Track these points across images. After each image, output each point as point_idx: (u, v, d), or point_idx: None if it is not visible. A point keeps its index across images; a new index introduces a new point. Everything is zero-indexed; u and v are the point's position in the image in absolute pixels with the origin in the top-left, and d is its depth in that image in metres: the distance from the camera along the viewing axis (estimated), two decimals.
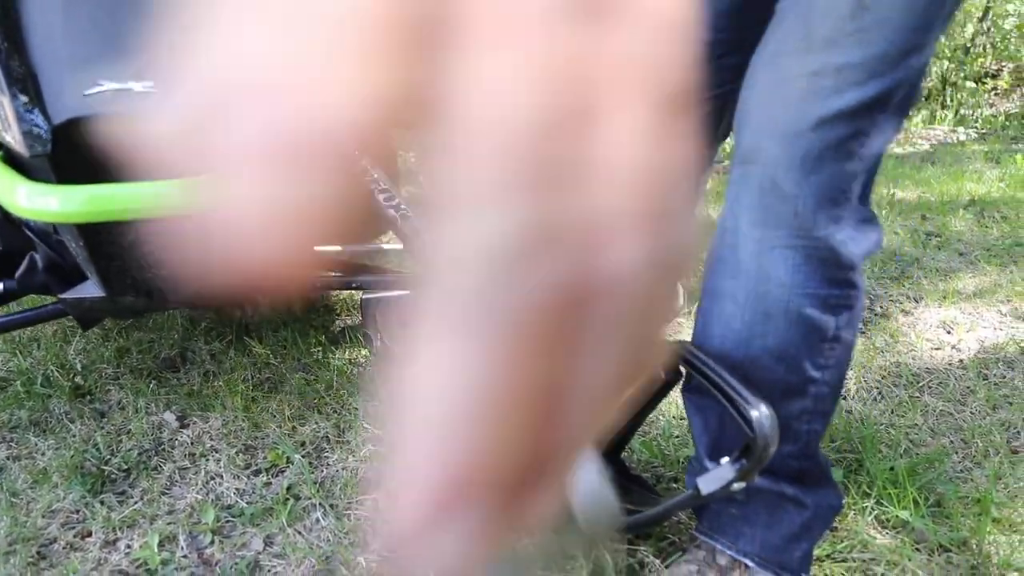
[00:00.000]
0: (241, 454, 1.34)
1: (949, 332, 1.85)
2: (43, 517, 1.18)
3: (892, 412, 1.50)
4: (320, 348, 1.71)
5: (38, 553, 1.10)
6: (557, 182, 0.14)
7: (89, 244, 1.06)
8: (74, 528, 1.15)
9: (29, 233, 1.22)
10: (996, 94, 5.40)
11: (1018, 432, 1.43)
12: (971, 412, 1.50)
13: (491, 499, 0.15)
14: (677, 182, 0.16)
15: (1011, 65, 5.48)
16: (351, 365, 1.64)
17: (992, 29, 5.38)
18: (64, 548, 1.11)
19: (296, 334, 1.74)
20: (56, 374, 1.56)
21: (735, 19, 0.97)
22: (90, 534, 1.14)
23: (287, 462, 1.31)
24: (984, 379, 1.63)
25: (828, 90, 0.82)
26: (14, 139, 0.98)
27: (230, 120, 0.13)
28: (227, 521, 1.17)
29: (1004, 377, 1.63)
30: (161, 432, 1.40)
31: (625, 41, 0.14)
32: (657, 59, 0.15)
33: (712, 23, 0.92)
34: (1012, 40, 5.38)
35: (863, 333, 1.83)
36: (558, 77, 0.14)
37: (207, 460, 1.32)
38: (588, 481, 0.81)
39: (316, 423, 1.43)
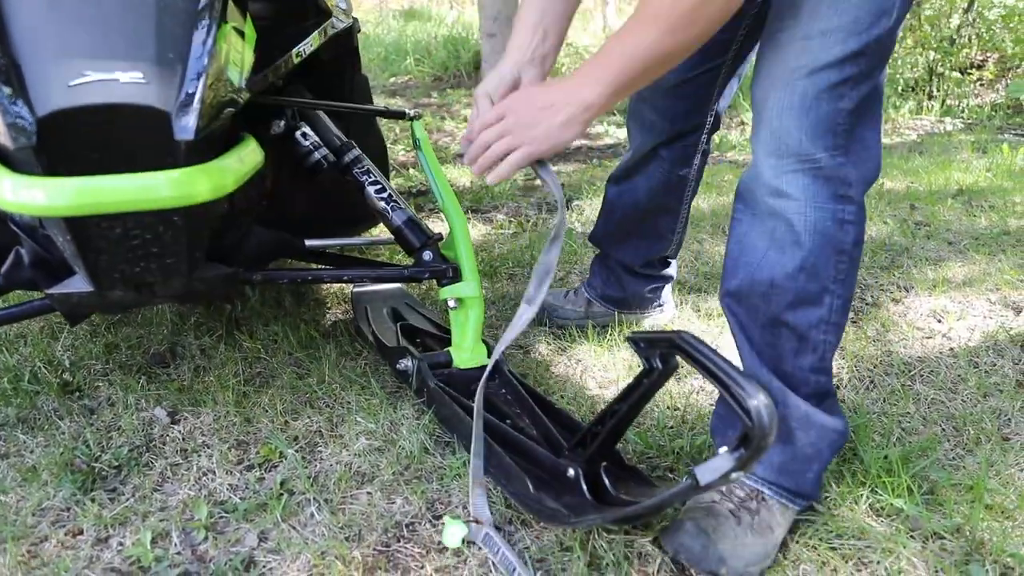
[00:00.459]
0: (233, 449, 1.33)
1: (939, 321, 1.86)
2: (33, 515, 1.16)
3: (884, 401, 1.50)
4: (311, 342, 1.69)
5: (29, 551, 1.09)
6: None
7: (77, 238, 1.04)
8: (65, 526, 1.14)
9: (14, 227, 1.20)
10: (981, 84, 5.42)
11: (1009, 419, 1.44)
12: (962, 400, 1.51)
13: None
14: None
15: (996, 55, 5.50)
16: (343, 358, 1.63)
17: (977, 20, 5.41)
18: (55, 546, 1.10)
19: (287, 328, 1.72)
20: (44, 371, 1.55)
21: None
22: (81, 532, 1.13)
23: (280, 457, 1.30)
24: (975, 367, 1.64)
25: (816, 48, 1.01)
26: None
27: None
28: (220, 517, 1.16)
29: (994, 365, 1.64)
30: (152, 428, 1.38)
31: None
32: None
33: None
34: (997, 31, 5.41)
35: (855, 323, 1.84)
36: None
37: (199, 456, 1.30)
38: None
39: (309, 417, 1.42)
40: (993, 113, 4.87)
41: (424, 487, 1.22)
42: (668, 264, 1.77)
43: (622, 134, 4.23)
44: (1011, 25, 5.31)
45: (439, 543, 1.11)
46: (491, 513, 1.14)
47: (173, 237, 1.09)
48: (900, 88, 5.08)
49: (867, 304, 1.95)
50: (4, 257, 1.23)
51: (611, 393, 1.53)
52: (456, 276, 1.47)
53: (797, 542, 1.11)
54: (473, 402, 1.30)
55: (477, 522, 1.11)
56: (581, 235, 2.43)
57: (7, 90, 0.95)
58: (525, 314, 1.15)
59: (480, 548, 1.09)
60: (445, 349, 1.45)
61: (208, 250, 1.22)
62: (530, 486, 1.10)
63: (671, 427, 1.40)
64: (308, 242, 1.55)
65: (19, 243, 1.21)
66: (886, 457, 1.26)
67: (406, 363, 1.43)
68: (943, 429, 1.41)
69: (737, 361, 1.12)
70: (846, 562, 1.07)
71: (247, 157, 1.13)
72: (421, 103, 5.12)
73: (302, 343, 1.68)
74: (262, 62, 1.25)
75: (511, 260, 2.24)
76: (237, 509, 1.17)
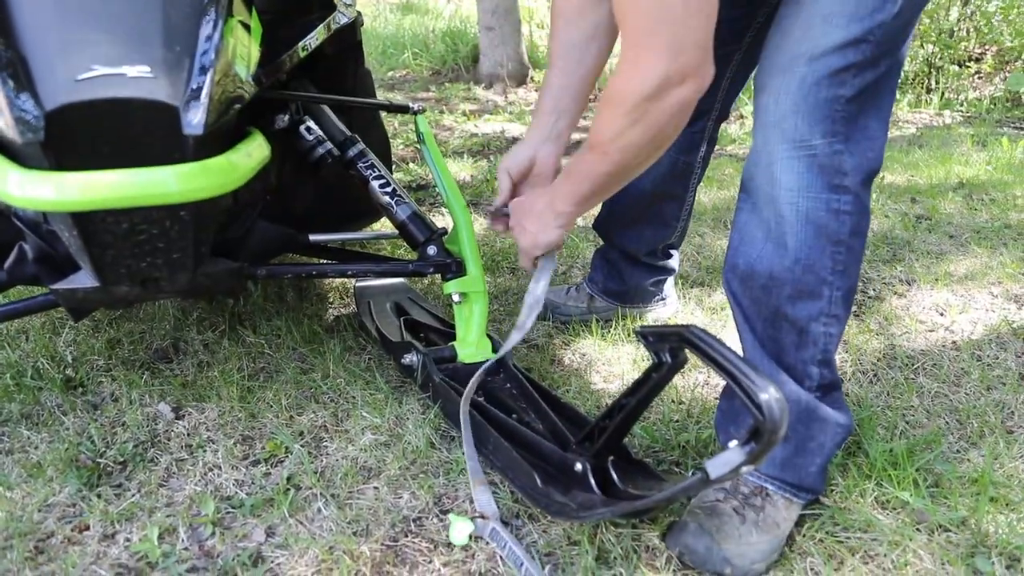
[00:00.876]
0: (239, 445, 1.33)
1: (942, 314, 1.87)
2: (39, 511, 1.16)
3: (888, 394, 1.51)
4: (315, 336, 1.69)
5: (35, 548, 1.09)
6: None
7: (83, 233, 1.04)
8: (71, 522, 1.14)
9: (18, 223, 1.20)
10: (980, 77, 5.42)
11: (1012, 412, 1.45)
12: (966, 393, 1.51)
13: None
14: None
15: (994, 48, 5.50)
16: (347, 353, 1.63)
17: (976, 13, 5.40)
18: (62, 542, 1.10)
19: (290, 323, 1.72)
20: (46, 366, 1.54)
21: None
22: (88, 528, 1.13)
23: (286, 452, 1.30)
24: (978, 360, 1.64)
25: (817, 33, 1.01)
26: (5, 125, 0.95)
27: None
28: (227, 512, 1.16)
29: (997, 358, 1.65)
30: (156, 424, 1.38)
31: None
32: None
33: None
34: (995, 23, 5.40)
35: (857, 316, 1.84)
36: None
37: (204, 451, 1.30)
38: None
39: (314, 412, 1.42)
40: (992, 106, 4.87)
41: (431, 482, 1.22)
42: (670, 255, 1.77)
43: None
44: (1010, 18, 5.31)
45: (447, 538, 1.11)
46: (498, 508, 1.14)
47: (180, 232, 1.08)
48: (899, 81, 5.08)
49: (869, 297, 1.95)
50: (7, 253, 1.23)
51: (616, 387, 1.53)
52: (460, 270, 1.47)
53: (804, 536, 1.12)
54: (479, 397, 1.30)
55: (483, 517, 1.11)
56: (583, 228, 2.43)
57: (14, 84, 0.94)
58: (514, 338, 1.28)
59: (488, 543, 1.09)
60: (449, 344, 1.45)
61: (213, 245, 1.22)
62: (537, 480, 1.10)
63: (677, 421, 1.40)
64: (312, 237, 1.55)
65: (23, 238, 1.21)
66: (891, 450, 1.27)
67: (411, 358, 1.43)
68: (947, 422, 1.42)
69: (740, 352, 1.12)
70: (853, 555, 1.08)
71: (255, 152, 1.13)
72: (419, 97, 5.11)
73: (306, 338, 1.68)
74: (268, 56, 1.25)
75: (514, 254, 2.23)
76: (244, 504, 1.17)
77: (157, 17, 1.01)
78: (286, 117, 1.48)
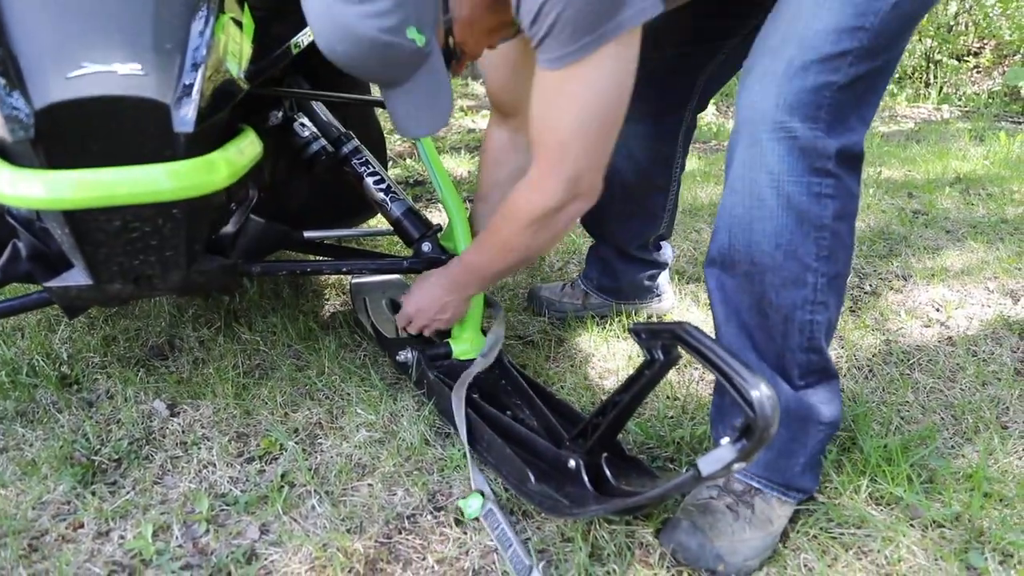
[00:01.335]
0: (233, 442, 1.33)
1: (938, 310, 1.87)
2: (33, 509, 1.16)
3: (883, 390, 1.51)
4: (310, 333, 1.69)
5: (29, 545, 1.09)
6: None
7: (75, 231, 1.04)
8: (65, 519, 1.14)
9: (11, 220, 1.19)
10: (978, 72, 5.42)
11: (1007, 408, 1.45)
12: (961, 388, 1.52)
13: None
14: None
15: (993, 42, 5.50)
16: (342, 350, 1.63)
17: (974, 7, 5.39)
18: (56, 540, 1.10)
19: (286, 320, 1.72)
20: (42, 364, 1.54)
21: None
22: (82, 525, 1.13)
23: (280, 449, 1.30)
24: (973, 356, 1.64)
25: (809, 15, 1.00)
26: None
27: None
28: (221, 510, 1.16)
29: (992, 353, 1.65)
30: (151, 421, 1.38)
31: None
32: None
33: None
34: (994, 18, 5.40)
35: (853, 312, 1.84)
36: None
37: (199, 448, 1.30)
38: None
39: (308, 409, 1.42)
40: (990, 101, 4.87)
41: (425, 479, 1.22)
42: (661, 247, 1.77)
43: None
44: (1008, 12, 5.30)
45: (441, 534, 1.11)
46: (493, 491, 1.15)
47: (172, 230, 1.08)
48: (898, 76, 5.07)
49: (866, 293, 1.95)
50: (1, 250, 1.23)
51: (611, 383, 1.53)
52: None
53: (797, 531, 1.12)
54: (473, 394, 1.30)
55: (482, 494, 1.14)
56: (578, 225, 2.42)
57: (4, 82, 0.94)
58: (478, 366, 1.35)
59: (480, 539, 1.09)
60: (444, 340, 1.45)
61: (207, 242, 1.22)
62: (531, 477, 1.10)
63: (671, 417, 1.40)
64: (306, 233, 1.54)
65: (16, 236, 1.21)
66: (885, 446, 1.27)
67: (406, 354, 1.43)
68: (942, 418, 1.42)
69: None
70: (846, 551, 1.08)
71: (246, 149, 1.12)
72: None
73: (301, 335, 1.68)
74: (261, 53, 1.24)
75: None
76: (238, 502, 1.17)
77: (148, 14, 1.01)
78: (280, 114, 1.48)
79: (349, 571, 1.04)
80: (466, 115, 4.32)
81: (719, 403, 1.19)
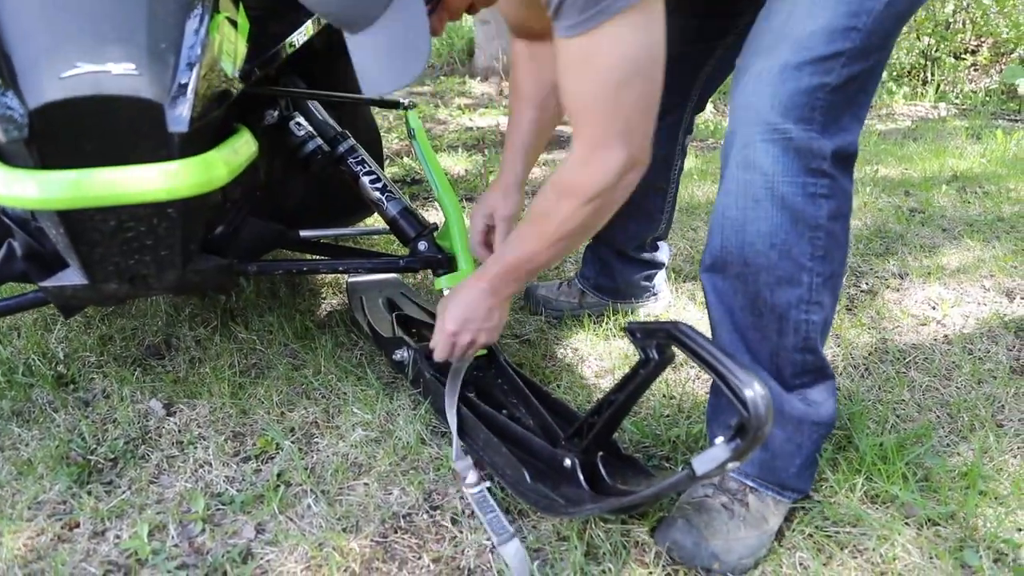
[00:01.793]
0: (229, 441, 1.33)
1: (934, 308, 1.87)
2: (29, 509, 1.16)
3: (879, 388, 1.51)
4: (307, 333, 1.69)
5: (25, 545, 1.09)
6: None
7: (70, 231, 1.04)
8: (61, 519, 1.14)
9: (6, 220, 1.19)
10: (976, 70, 5.42)
11: (1002, 406, 1.45)
12: (957, 387, 1.52)
13: None
14: None
15: (990, 40, 5.50)
16: (339, 349, 1.63)
17: (972, 5, 5.40)
18: (52, 540, 1.10)
19: (282, 319, 1.72)
20: (38, 363, 1.54)
21: None
22: (78, 525, 1.13)
23: (276, 448, 1.30)
24: (969, 354, 1.64)
25: (804, 15, 0.99)
26: None
27: None
28: (217, 509, 1.16)
29: (988, 352, 1.65)
30: (147, 420, 1.38)
31: None
32: None
33: None
34: (991, 16, 5.40)
35: (849, 310, 1.84)
36: None
37: (195, 448, 1.30)
38: None
39: (305, 408, 1.42)
40: (987, 99, 4.87)
41: (421, 478, 1.22)
42: (658, 247, 1.77)
43: None
44: (1005, 10, 5.30)
45: (437, 533, 1.11)
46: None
47: (167, 229, 1.08)
48: (895, 73, 5.08)
49: (862, 291, 1.96)
50: None
51: (607, 382, 1.53)
52: (451, 266, 1.47)
53: (793, 530, 1.12)
54: (469, 392, 1.30)
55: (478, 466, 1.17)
56: None
57: None
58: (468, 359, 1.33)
59: (476, 538, 1.09)
60: None
61: (202, 241, 1.22)
62: (527, 476, 1.10)
63: (667, 416, 1.40)
64: (302, 233, 1.54)
65: (12, 236, 1.21)
66: (881, 444, 1.27)
67: (402, 353, 1.43)
68: (937, 416, 1.42)
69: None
70: (841, 549, 1.08)
71: (241, 148, 1.12)
72: (415, 92, 5.10)
73: (297, 334, 1.68)
74: (256, 52, 1.24)
75: None
76: (234, 501, 1.17)
77: (142, 14, 1.01)
78: (275, 113, 1.48)
79: (345, 570, 1.04)
80: (464, 113, 4.32)
81: (715, 402, 1.20)
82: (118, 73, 0.96)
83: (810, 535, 1.11)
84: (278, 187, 1.63)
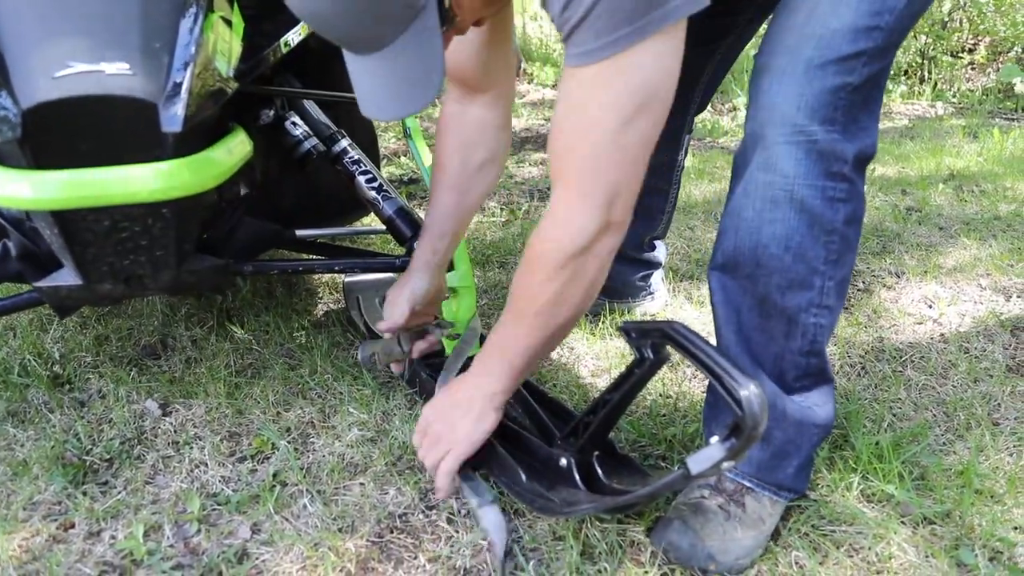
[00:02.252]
0: (225, 441, 1.32)
1: (931, 306, 1.87)
2: (24, 509, 1.16)
3: (876, 387, 1.51)
4: (303, 332, 1.69)
5: (20, 546, 1.09)
6: None
7: (64, 231, 1.03)
8: (56, 520, 1.14)
9: (1, 220, 1.19)
10: (973, 68, 5.42)
11: (999, 404, 1.45)
12: (953, 385, 1.52)
13: None
14: None
15: (988, 39, 5.50)
16: (335, 349, 1.62)
17: (969, 3, 5.40)
18: (47, 540, 1.10)
19: (278, 319, 1.72)
20: (33, 363, 1.54)
21: None
22: (73, 525, 1.13)
23: (272, 448, 1.30)
24: (965, 352, 1.64)
25: (827, 13, 0.97)
26: None
27: None
28: (213, 509, 1.16)
29: (985, 350, 1.65)
30: (143, 421, 1.38)
31: None
32: None
33: None
34: (989, 14, 5.40)
35: (846, 309, 1.84)
36: None
37: (191, 448, 1.30)
38: None
39: (301, 408, 1.42)
40: (984, 97, 4.87)
41: (417, 477, 1.22)
42: (655, 247, 1.77)
43: None
44: (1003, 9, 5.31)
45: (433, 533, 1.11)
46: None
47: (161, 230, 1.08)
48: (892, 72, 5.08)
49: (859, 290, 1.96)
50: None
51: (604, 382, 1.53)
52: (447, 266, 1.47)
53: (789, 529, 1.12)
54: None
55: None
56: None
57: None
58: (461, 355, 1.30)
59: (472, 538, 1.09)
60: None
61: (198, 241, 1.22)
62: (522, 476, 1.10)
63: (664, 415, 1.40)
64: (299, 232, 1.54)
65: (6, 236, 1.20)
66: (877, 443, 1.27)
67: None
68: (934, 415, 1.42)
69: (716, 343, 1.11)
70: (837, 548, 1.08)
71: (236, 148, 1.12)
72: None
73: (294, 334, 1.68)
74: (250, 52, 1.24)
75: (503, 248, 2.23)
76: (230, 501, 1.17)
77: (136, 13, 1.01)
78: (271, 112, 1.48)
79: (340, 570, 1.04)
80: None
81: (712, 401, 1.20)
82: (111, 73, 0.96)
83: (806, 534, 1.11)
84: (274, 187, 1.63)
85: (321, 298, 1.91)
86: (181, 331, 1.70)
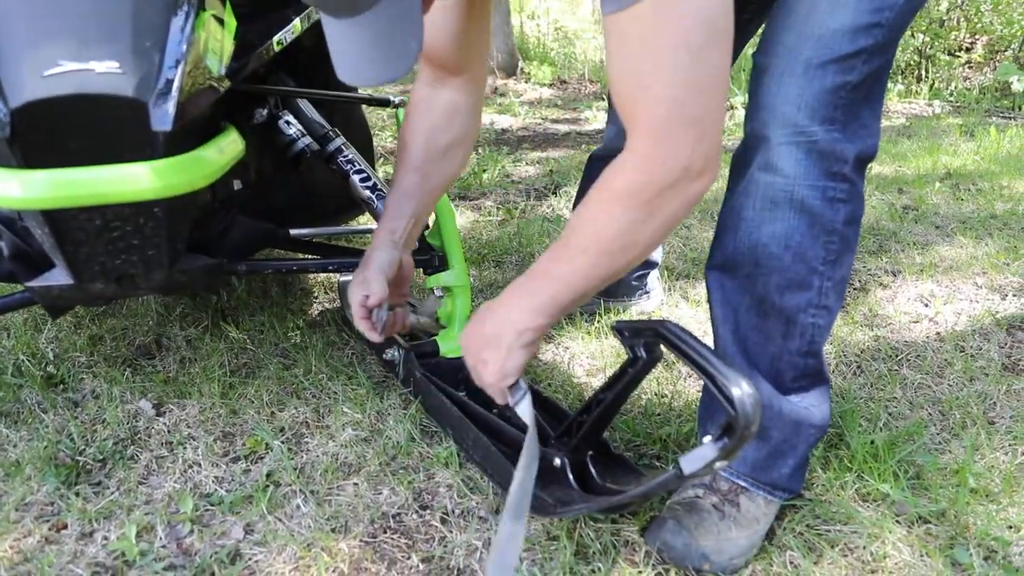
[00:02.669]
0: (219, 441, 1.32)
1: (927, 305, 1.87)
2: (16, 510, 1.15)
3: (871, 386, 1.51)
4: (298, 332, 1.68)
5: (12, 547, 1.08)
6: None
7: (55, 230, 1.03)
8: (49, 521, 1.13)
9: None
10: (970, 67, 5.43)
11: (994, 403, 1.45)
12: (948, 384, 1.52)
13: None
14: None
15: (985, 38, 5.50)
16: (330, 348, 1.62)
17: (966, 2, 5.40)
18: (39, 541, 1.09)
19: (273, 318, 1.71)
20: (27, 363, 1.53)
21: None
22: (66, 526, 1.12)
23: (266, 448, 1.30)
24: (961, 351, 1.64)
25: (825, 11, 0.96)
26: None
27: None
28: (206, 510, 1.16)
29: (980, 349, 1.65)
30: (137, 421, 1.37)
31: None
32: None
33: None
34: (986, 13, 5.41)
35: (842, 308, 1.84)
36: None
37: (184, 448, 1.30)
38: None
39: (295, 408, 1.41)
40: (981, 96, 4.88)
41: (411, 477, 1.22)
42: None
43: None
44: (1000, 7, 5.31)
45: (426, 533, 1.11)
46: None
47: (153, 229, 1.07)
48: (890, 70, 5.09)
49: (855, 289, 1.95)
50: None
51: (598, 381, 1.53)
52: (442, 265, 1.46)
53: (784, 529, 1.12)
54: (460, 391, 1.29)
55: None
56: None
57: None
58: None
59: (466, 538, 1.09)
60: (432, 338, 1.44)
61: (191, 241, 1.21)
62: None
63: (658, 414, 1.40)
64: (293, 231, 1.54)
65: None
66: (872, 442, 1.27)
67: (393, 353, 1.42)
68: (929, 413, 1.42)
69: (711, 342, 1.11)
70: (832, 547, 1.08)
71: (227, 147, 1.12)
72: (408, 90, 5.09)
73: (288, 333, 1.67)
74: (243, 50, 1.23)
75: (499, 248, 2.23)
76: (223, 501, 1.16)
77: (126, 12, 1.00)
78: (264, 112, 1.47)
79: (333, 571, 1.03)
80: None
81: (708, 400, 1.19)
82: (101, 71, 0.96)
83: (801, 533, 1.11)
84: (268, 186, 1.62)
85: (316, 298, 1.91)
86: (176, 331, 1.69)
